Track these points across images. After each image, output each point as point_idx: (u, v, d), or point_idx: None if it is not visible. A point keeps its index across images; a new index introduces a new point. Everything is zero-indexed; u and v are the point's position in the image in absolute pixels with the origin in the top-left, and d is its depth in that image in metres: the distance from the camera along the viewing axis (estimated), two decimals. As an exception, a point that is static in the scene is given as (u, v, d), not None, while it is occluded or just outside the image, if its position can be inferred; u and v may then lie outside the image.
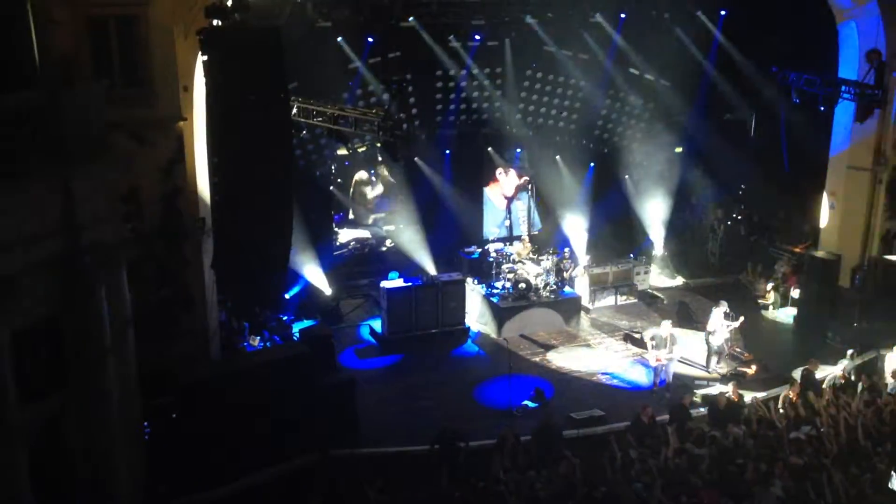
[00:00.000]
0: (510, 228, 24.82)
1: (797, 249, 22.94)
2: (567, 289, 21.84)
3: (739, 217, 25.12)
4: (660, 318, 21.55)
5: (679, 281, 24.37)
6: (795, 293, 21.77)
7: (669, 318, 19.44)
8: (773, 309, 22.20)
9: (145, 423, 13.75)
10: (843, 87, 18.93)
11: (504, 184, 24.80)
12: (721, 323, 18.36)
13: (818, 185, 21.58)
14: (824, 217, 21.47)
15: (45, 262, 10.96)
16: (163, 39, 14.95)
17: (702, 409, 15.93)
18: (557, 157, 24.80)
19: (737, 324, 18.65)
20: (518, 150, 24.27)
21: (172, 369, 14.19)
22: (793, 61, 19.52)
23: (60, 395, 11.51)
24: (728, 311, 18.64)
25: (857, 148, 20.43)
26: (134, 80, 14.97)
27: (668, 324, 17.81)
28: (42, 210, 10.85)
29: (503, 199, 24.97)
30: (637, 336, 20.04)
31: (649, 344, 17.57)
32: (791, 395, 15.29)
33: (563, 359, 19.51)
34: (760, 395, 16.40)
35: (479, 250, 23.16)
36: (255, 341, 18.23)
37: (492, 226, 24.91)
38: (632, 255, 23.88)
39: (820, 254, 20.93)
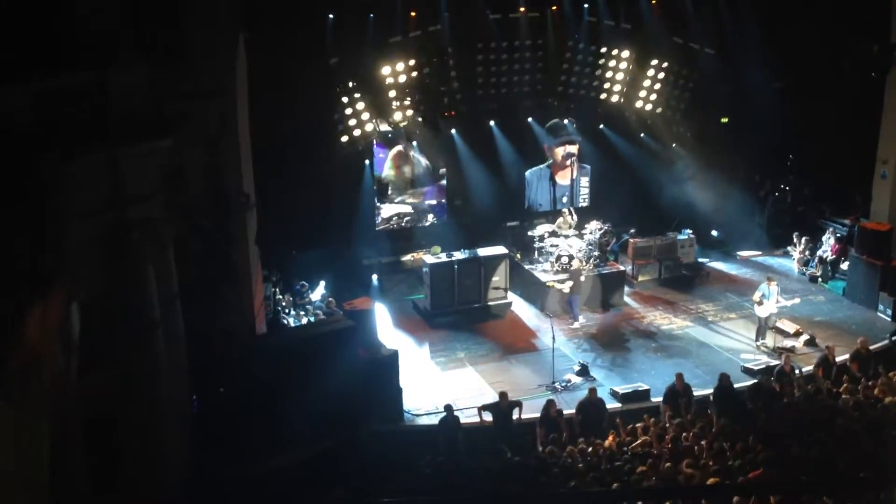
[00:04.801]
0: (553, 202, 24.51)
1: (847, 220, 22.42)
2: (610, 262, 21.66)
3: (787, 188, 24.59)
4: (702, 291, 21.46)
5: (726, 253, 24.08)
6: (845, 265, 21.34)
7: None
8: (822, 281, 21.78)
9: (193, 397, 13.99)
10: (896, 53, 18.39)
11: (559, 158, 24.36)
12: (774, 298, 18.09)
13: (870, 153, 21.03)
14: (876, 186, 20.96)
15: (95, 237, 11.18)
16: (206, 16, 14.96)
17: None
18: (602, 126, 24.43)
19: (790, 303, 18.35)
20: (566, 121, 23.90)
21: (218, 344, 14.37)
22: (845, 26, 18.93)
23: (110, 369, 11.74)
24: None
25: (910, 115, 19.86)
26: (177, 57, 15.02)
27: (577, 262, 20.14)
28: (91, 187, 11.04)
29: (564, 173, 24.48)
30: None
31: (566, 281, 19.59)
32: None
33: (607, 332, 19.40)
34: (807, 368, 16.24)
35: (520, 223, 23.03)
36: (300, 316, 18.40)
37: (555, 197, 24.56)
38: (676, 228, 23.52)
39: (871, 224, 20.48)
